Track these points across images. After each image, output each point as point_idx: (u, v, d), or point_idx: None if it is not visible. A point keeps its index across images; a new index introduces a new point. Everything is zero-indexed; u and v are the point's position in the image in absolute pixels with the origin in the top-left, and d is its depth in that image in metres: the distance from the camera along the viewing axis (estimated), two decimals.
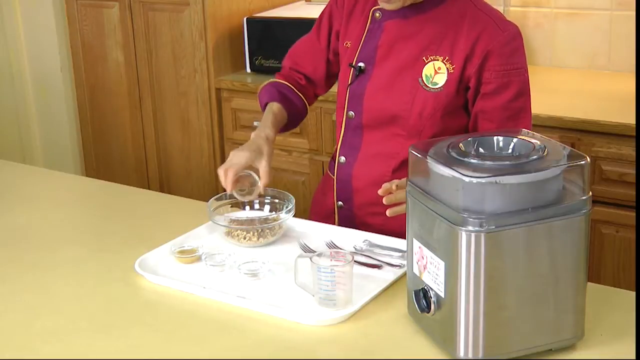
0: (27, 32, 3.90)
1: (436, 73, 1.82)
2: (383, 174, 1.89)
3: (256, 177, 1.89)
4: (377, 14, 1.89)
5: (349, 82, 1.92)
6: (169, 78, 3.45)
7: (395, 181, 1.72)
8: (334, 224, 1.99)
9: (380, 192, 1.72)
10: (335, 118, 2.01)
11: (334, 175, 2.01)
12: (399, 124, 1.86)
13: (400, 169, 1.87)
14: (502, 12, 3.11)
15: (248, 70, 3.33)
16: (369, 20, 1.91)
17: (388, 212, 1.72)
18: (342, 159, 1.97)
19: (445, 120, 1.85)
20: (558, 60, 3.19)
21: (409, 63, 1.84)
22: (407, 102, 1.84)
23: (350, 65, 1.92)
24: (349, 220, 1.97)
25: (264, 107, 2.04)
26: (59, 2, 3.76)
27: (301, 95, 2.05)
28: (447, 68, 1.81)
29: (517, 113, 1.82)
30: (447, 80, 1.81)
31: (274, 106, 2.00)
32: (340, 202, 1.99)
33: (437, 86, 1.82)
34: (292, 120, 2.05)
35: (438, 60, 1.82)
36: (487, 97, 1.81)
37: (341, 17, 1.97)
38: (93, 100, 3.73)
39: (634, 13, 2.98)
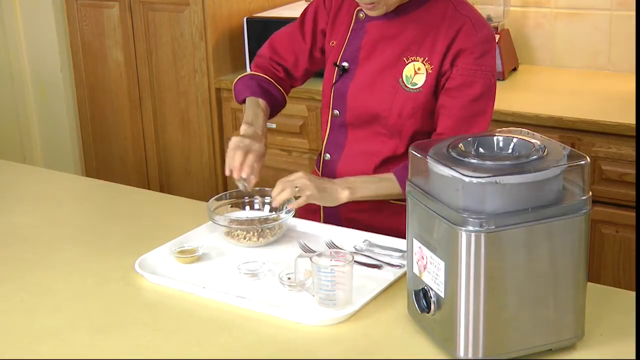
0: (27, 32, 3.90)
1: (416, 74, 1.84)
2: (364, 172, 1.91)
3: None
4: (361, 15, 1.91)
5: (334, 81, 1.94)
6: (169, 78, 3.45)
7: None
8: (319, 220, 2.00)
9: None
10: (321, 116, 2.03)
11: (319, 172, 2.03)
12: (380, 123, 1.89)
13: (382, 166, 1.90)
14: (502, 12, 3.14)
15: (248, 70, 3.32)
16: (353, 21, 1.92)
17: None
18: (327, 156, 1.99)
19: (425, 120, 1.87)
20: (558, 60, 3.19)
21: (390, 63, 1.86)
22: (387, 102, 1.86)
23: (335, 64, 1.94)
24: (334, 216, 1.98)
25: (242, 99, 2.03)
26: (59, 2, 3.76)
27: (281, 89, 2.06)
28: (426, 68, 1.83)
29: (475, 115, 1.82)
30: (425, 81, 1.83)
31: (261, 102, 2.00)
32: None
33: (416, 87, 1.84)
34: (272, 114, 2.06)
35: (418, 61, 1.84)
36: (450, 92, 1.83)
37: (327, 16, 1.99)
38: (93, 100, 3.73)
39: (634, 13, 2.98)
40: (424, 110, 1.85)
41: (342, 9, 1.96)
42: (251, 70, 2.10)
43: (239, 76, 2.08)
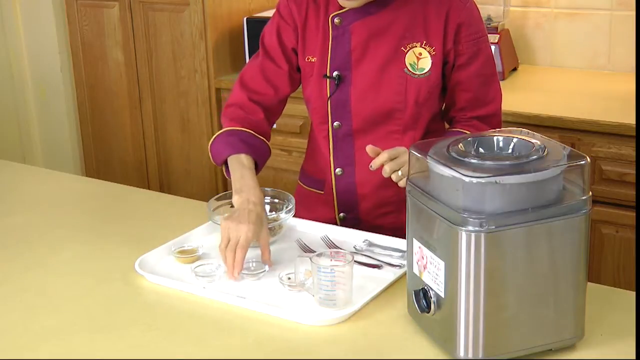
0: (27, 32, 3.90)
1: (419, 59, 1.84)
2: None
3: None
4: (337, 20, 1.87)
5: (329, 94, 1.90)
6: (169, 78, 3.45)
7: (381, 155, 1.71)
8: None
9: (373, 167, 1.72)
10: (315, 135, 1.98)
11: (322, 190, 1.99)
12: (393, 119, 1.87)
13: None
14: (502, 12, 3.15)
15: None
16: (330, 29, 1.88)
17: (400, 184, 1.71)
18: (339, 170, 1.95)
19: (440, 101, 1.91)
20: (558, 60, 3.19)
21: (389, 57, 1.85)
22: (400, 94, 1.85)
23: (325, 76, 1.89)
24: (355, 228, 1.94)
25: (224, 159, 1.89)
26: (59, 2, 3.77)
27: (263, 139, 1.94)
28: (428, 51, 1.84)
29: (489, 78, 1.90)
30: (432, 63, 1.84)
31: (244, 159, 1.86)
32: (342, 214, 1.98)
33: (424, 71, 1.85)
34: (259, 167, 1.92)
35: (416, 46, 1.84)
36: (462, 67, 1.86)
37: (295, 32, 1.92)
38: (93, 100, 3.73)
39: (634, 13, 2.98)
40: (436, 92, 1.88)
41: (309, 23, 1.90)
42: (223, 123, 1.96)
43: (215, 135, 1.94)
